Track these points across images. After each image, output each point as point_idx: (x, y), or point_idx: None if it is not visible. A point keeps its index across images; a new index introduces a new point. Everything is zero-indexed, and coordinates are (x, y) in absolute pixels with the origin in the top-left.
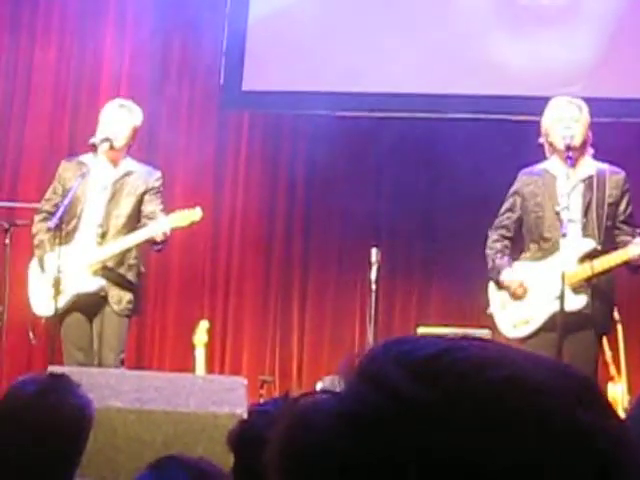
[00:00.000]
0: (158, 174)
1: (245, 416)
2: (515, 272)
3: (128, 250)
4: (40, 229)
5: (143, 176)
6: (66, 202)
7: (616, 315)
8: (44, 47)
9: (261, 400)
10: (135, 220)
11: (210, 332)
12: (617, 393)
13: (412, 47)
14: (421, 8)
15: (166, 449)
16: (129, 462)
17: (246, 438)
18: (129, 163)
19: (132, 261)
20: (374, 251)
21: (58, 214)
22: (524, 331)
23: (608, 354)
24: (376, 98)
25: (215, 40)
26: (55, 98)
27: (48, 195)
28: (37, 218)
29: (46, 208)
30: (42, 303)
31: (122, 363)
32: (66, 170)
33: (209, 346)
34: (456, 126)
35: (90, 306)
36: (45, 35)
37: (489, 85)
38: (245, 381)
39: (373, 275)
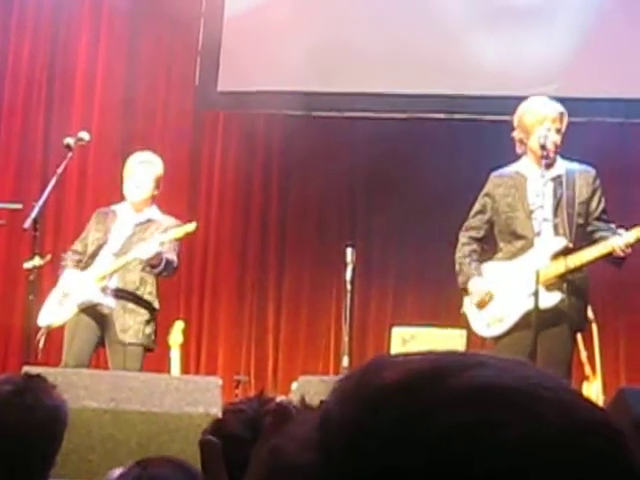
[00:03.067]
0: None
1: (220, 416)
2: (483, 281)
3: (143, 284)
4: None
5: (165, 224)
6: (40, 202)
7: (591, 314)
8: (18, 40)
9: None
10: None
11: (185, 332)
12: (592, 393)
13: (388, 47)
14: (397, 8)
15: (141, 449)
16: (104, 462)
17: (219, 437)
18: (153, 211)
19: (147, 297)
20: (349, 251)
21: (33, 214)
22: (498, 330)
23: (583, 354)
24: (351, 98)
25: (191, 40)
26: (29, 95)
27: (75, 246)
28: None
29: (74, 249)
30: (45, 314)
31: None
32: (94, 220)
33: (184, 346)
34: (432, 126)
35: (96, 317)
36: (20, 28)
37: (464, 85)
38: (220, 381)
39: (348, 275)
